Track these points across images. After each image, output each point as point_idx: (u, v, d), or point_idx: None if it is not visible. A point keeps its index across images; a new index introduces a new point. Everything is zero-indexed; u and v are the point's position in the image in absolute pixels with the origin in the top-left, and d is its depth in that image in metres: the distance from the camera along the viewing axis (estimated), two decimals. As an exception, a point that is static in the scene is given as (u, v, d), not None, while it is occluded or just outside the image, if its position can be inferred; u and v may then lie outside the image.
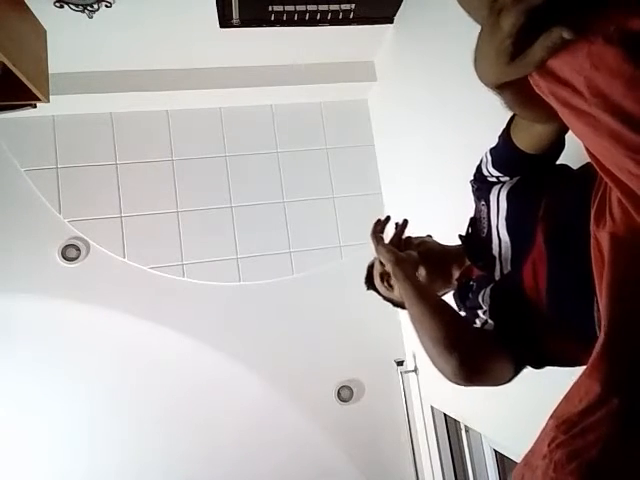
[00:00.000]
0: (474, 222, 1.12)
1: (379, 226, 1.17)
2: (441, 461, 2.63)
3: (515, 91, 0.54)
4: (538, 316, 0.89)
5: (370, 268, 1.28)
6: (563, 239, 0.84)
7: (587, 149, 0.51)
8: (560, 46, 0.43)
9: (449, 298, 1.20)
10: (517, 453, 2.00)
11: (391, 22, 2.53)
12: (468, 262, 1.15)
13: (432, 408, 2.66)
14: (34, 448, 2.60)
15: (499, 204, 0.99)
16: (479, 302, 0.99)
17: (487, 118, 1.77)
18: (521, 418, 1.70)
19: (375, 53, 2.83)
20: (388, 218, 1.21)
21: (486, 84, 0.54)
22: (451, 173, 2.11)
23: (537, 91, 0.49)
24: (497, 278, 0.99)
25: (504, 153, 0.97)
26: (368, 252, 3.26)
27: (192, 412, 2.72)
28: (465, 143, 1.96)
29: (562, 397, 0.54)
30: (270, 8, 2.29)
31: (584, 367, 0.55)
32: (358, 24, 2.49)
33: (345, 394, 2.86)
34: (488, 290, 0.98)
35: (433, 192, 2.32)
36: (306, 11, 2.32)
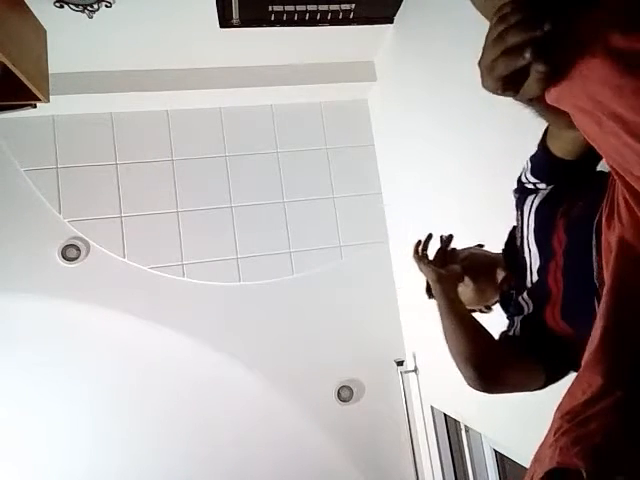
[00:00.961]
0: (514, 231, 1.15)
1: (419, 246, 1.22)
2: (441, 461, 2.63)
3: (539, 101, 0.55)
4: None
5: None
6: (577, 242, 0.86)
7: (602, 152, 0.52)
8: (547, 76, 0.46)
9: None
10: (517, 453, 2.00)
11: (391, 22, 2.53)
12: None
13: (432, 408, 2.67)
14: (34, 448, 2.60)
15: (530, 216, 1.03)
16: (519, 307, 1.03)
17: (487, 118, 1.78)
18: (521, 418, 1.70)
19: (375, 53, 2.83)
20: (430, 236, 1.25)
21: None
22: (451, 173, 2.11)
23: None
24: (528, 285, 1.03)
25: (541, 160, 0.99)
26: (368, 252, 3.26)
27: (192, 412, 2.73)
28: (465, 143, 1.96)
29: (565, 393, 0.55)
30: (270, 8, 2.29)
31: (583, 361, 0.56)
32: (358, 24, 2.49)
33: (345, 394, 2.86)
34: (525, 294, 1.02)
35: (433, 192, 2.32)
36: (306, 11, 2.32)
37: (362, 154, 3.07)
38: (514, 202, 1.15)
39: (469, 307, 1.21)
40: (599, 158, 0.96)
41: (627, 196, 0.54)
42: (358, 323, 2.91)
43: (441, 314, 1.07)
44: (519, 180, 1.09)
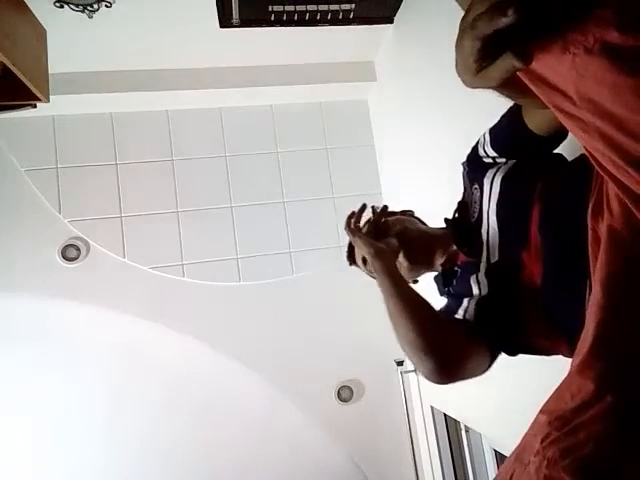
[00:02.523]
0: (462, 206, 1.10)
1: (353, 218, 1.15)
2: (441, 461, 2.63)
3: (504, 88, 0.55)
4: (530, 303, 0.87)
5: (351, 244, 1.22)
6: (559, 224, 0.83)
7: (584, 146, 0.52)
8: (514, 70, 0.45)
9: (431, 281, 1.18)
10: (517, 453, 2.00)
11: (391, 22, 2.52)
12: (454, 247, 1.10)
13: (432, 408, 2.66)
14: (34, 448, 2.60)
15: (492, 188, 0.97)
16: (468, 287, 0.96)
17: (487, 117, 1.77)
18: (521, 418, 1.70)
19: (375, 53, 2.83)
20: (364, 207, 1.18)
21: (465, 85, 0.55)
22: (451, 172, 2.10)
23: (532, 89, 0.50)
24: (483, 265, 0.96)
25: (508, 132, 0.96)
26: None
27: (192, 412, 2.73)
28: (465, 143, 1.96)
29: (552, 392, 0.54)
30: (270, 8, 2.29)
31: (571, 362, 0.55)
32: (358, 24, 2.49)
33: (345, 394, 2.86)
34: (482, 274, 0.94)
35: (433, 192, 2.32)
36: (306, 11, 2.32)
37: (362, 154, 3.07)
38: (464, 174, 1.11)
39: None
40: (562, 140, 0.94)
41: (617, 190, 0.53)
42: (358, 323, 2.90)
43: (384, 294, 0.95)
44: (475, 153, 1.04)
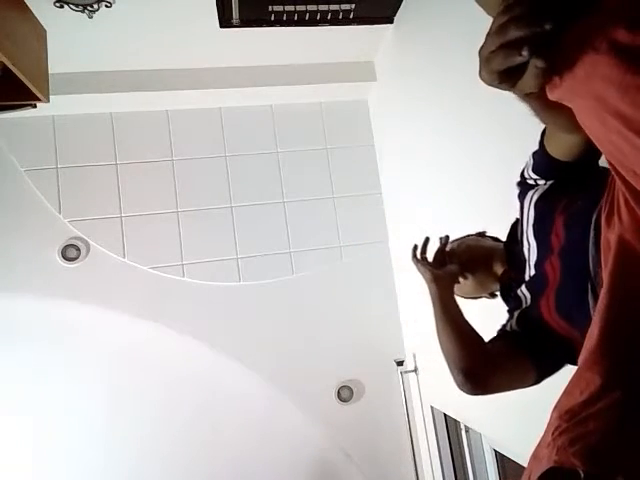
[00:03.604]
0: (514, 227, 1.16)
1: (416, 250, 1.24)
2: (441, 461, 2.63)
3: (537, 98, 0.55)
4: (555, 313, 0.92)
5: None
6: (575, 239, 0.87)
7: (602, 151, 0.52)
8: (544, 73, 0.45)
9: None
10: (517, 453, 2.00)
11: (391, 22, 2.52)
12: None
13: (432, 408, 2.66)
14: (33, 448, 2.60)
15: (529, 210, 1.04)
16: (519, 300, 1.03)
17: (487, 117, 1.78)
18: (521, 418, 1.70)
19: (375, 53, 2.83)
20: (427, 240, 1.27)
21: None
22: (451, 172, 2.11)
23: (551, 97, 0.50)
24: (527, 279, 1.03)
25: (540, 158, 1.00)
26: (368, 252, 3.25)
27: (191, 412, 2.73)
28: (465, 142, 1.96)
29: (562, 392, 0.55)
30: (270, 8, 2.29)
31: (578, 361, 0.56)
32: (358, 24, 2.49)
33: (345, 394, 2.86)
34: (524, 287, 1.02)
35: (433, 192, 2.32)
36: (306, 11, 2.32)
37: (362, 154, 3.07)
38: (517, 194, 1.15)
39: (473, 296, 1.24)
40: (597, 158, 0.96)
41: (627, 195, 0.53)
42: (358, 323, 2.90)
43: (435, 315, 1.09)
44: (522, 174, 1.09)
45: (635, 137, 0.44)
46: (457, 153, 2.03)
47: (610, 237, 0.62)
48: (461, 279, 1.19)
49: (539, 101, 0.55)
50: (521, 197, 1.09)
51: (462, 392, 0.98)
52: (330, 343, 2.86)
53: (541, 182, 1.03)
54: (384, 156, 3.00)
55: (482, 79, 0.50)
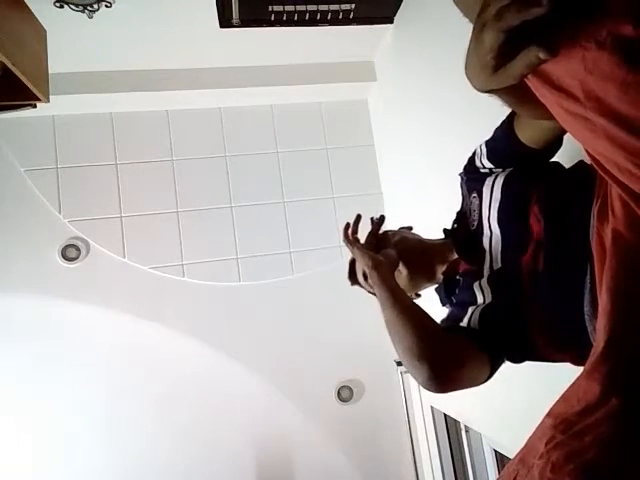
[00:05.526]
0: (461, 215, 1.11)
1: (349, 229, 1.15)
2: (441, 461, 2.63)
3: (509, 93, 0.55)
4: (532, 309, 0.87)
5: (352, 263, 1.22)
6: (562, 223, 0.83)
7: (586, 150, 0.51)
8: (538, 63, 0.43)
9: (431, 293, 1.19)
10: (517, 453, 2.00)
11: (391, 22, 2.52)
12: (453, 256, 1.11)
13: (432, 408, 2.66)
14: (33, 447, 2.60)
15: (492, 195, 0.97)
16: (472, 295, 0.96)
17: (487, 118, 1.77)
18: (521, 418, 1.70)
19: (375, 53, 2.83)
20: (359, 217, 1.18)
21: (476, 89, 0.54)
22: (451, 172, 2.10)
23: (535, 93, 0.50)
24: (486, 272, 0.96)
25: (503, 145, 0.97)
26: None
27: (191, 411, 2.72)
28: (465, 142, 1.96)
29: (559, 396, 0.54)
30: (270, 8, 2.29)
31: (582, 368, 0.54)
32: (358, 24, 2.49)
33: (345, 394, 2.86)
34: (484, 281, 0.94)
35: (433, 192, 2.32)
36: (306, 11, 2.32)
37: (362, 154, 3.07)
38: (462, 184, 1.12)
39: None
40: (557, 150, 0.95)
41: (620, 191, 0.52)
42: (358, 323, 2.90)
43: (382, 304, 0.97)
44: (471, 163, 1.06)
45: (632, 138, 0.42)
46: (457, 153, 2.03)
47: (603, 232, 0.61)
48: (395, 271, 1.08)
49: (509, 95, 0.54)
50: (472, 185, 1.04)
51: (425, 388, 0.86)
52: (330, 343, 2.86)
53: (497, 170, 0.99)
54: (384, 156, 3.00)
55: (481, 42, 0.46)
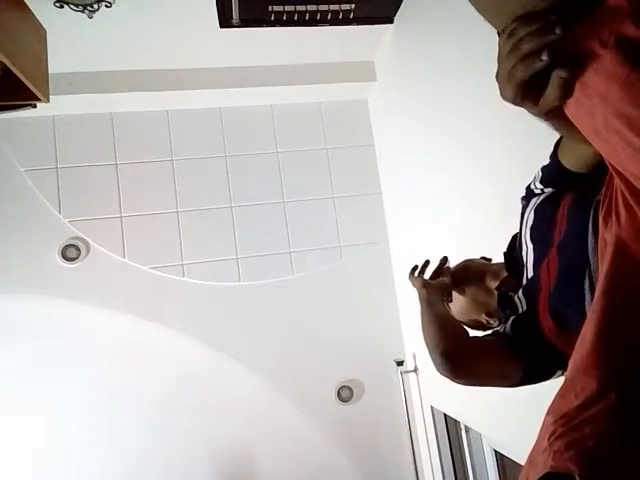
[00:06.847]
0: (513, 238, 1.17)
1: (415, 270, 1.28)
2: (441, 461, 2.63)
3: (555, 117, 0.55)
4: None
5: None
6: (572, 234, 0.87)
7: (599, 150, 0.52)
8: (567, 83, 0.45)
9: None
10: (517, 453, 2.00)
11: (391, 22, 2.52)
12: (504, 273, 1.20)
13: (432, 408, 2.66)
14: (33, 447, 2.60)
15: (529, 214, 1.05)
16: (514, 306, 1.03)
17: (487, 118, 1.78)
18: (521, 418, 1.70)
19: (375, 53, 2.83)
20: (427, 263, 1.29)
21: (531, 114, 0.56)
22: (451, 172, 2.11)
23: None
24: (524, 283, 1.04)
25: (552, 171, 1.01)
26: (368, 252, 3.25)
27: (191, 412, 2.72)
28: (465, 142, 1.96)
29: (555, 395, 0.55)
30: (270, 8, 2.29)
31: (569, 363, 0.55)
32: (358, 24, 2.49)
33: (345, 394, 2.86)
34: (520, 292, 1.02)
35: (433, 192, 2.32)
36: (306, 11, 2.32)
37: (362, 154, 3.07)
38: (520, 210, 1.16)
39: (468, 318, 1.24)
40: (601, 173, 0.96)
41: (627, 195, 0.53)
42: (358, 323, 2.90)
43: (421, 314, 1.10)
44: (527, 188, 1.10)
45: (637, 138, 0.43)
46: (457, 153, 2.03)
47: (607, 237, 0.61)
48: (455, 294, 1.21)
49: (561, 117, 0.54)
50: (524, 209, 1.10)
51: (443, 376, 0.97)
52: (330, 343, 2.86)
53: (548, 190, 1.04)
54: (384, 156, 3.00)
55: (505, 98, 0.50)
